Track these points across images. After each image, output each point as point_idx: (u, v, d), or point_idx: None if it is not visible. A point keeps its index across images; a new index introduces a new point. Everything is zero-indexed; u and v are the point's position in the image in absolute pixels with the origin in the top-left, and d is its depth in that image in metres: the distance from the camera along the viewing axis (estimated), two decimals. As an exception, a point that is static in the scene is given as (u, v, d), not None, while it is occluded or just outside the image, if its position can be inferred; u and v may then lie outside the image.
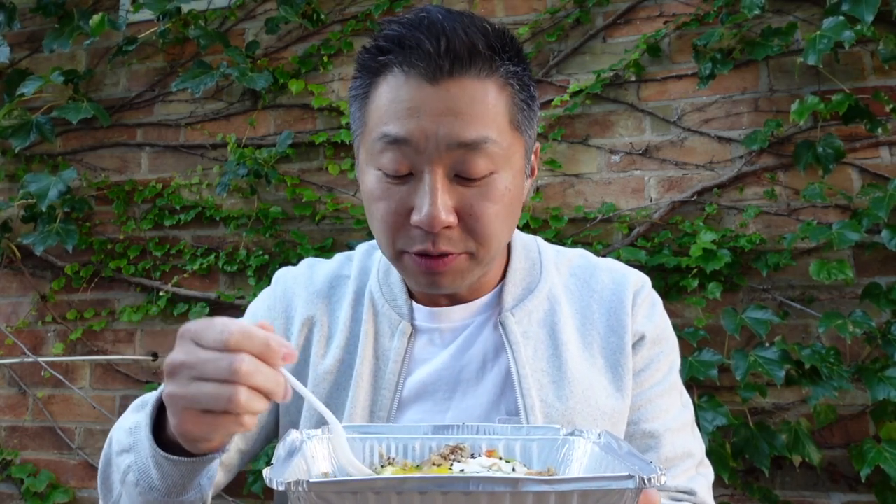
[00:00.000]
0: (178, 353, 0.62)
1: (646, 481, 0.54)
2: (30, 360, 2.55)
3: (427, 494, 0.53)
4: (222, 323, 0.60)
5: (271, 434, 0.98)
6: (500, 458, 0.69)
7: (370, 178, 0.82)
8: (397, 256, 0.83)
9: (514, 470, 0.66)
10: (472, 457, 0.69)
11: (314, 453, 0.67)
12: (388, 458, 0.71)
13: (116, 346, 2.59)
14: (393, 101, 0.78)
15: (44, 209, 2.44)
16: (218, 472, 0.87)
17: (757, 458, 1.91)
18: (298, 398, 0.92)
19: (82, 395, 2.54)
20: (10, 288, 2.72)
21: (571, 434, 0.73)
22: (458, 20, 0.78)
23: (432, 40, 0.76)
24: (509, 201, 0.82)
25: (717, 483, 1.97)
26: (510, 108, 0.81)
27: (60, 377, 2.54)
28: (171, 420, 0.65)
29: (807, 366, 1.89)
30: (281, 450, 0.63)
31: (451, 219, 0.78)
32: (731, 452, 1.94)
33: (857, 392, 1.95)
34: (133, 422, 0.77)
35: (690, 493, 0.88)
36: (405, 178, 0.79)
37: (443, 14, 0.79)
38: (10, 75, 2.69)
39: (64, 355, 2.59)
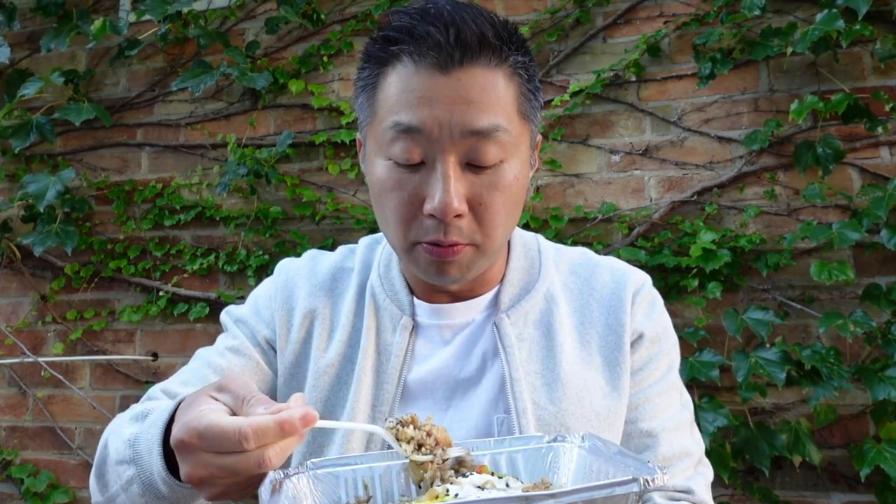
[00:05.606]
0: (196, 469, 0.61)
1: (649, 482, 0.53)
2: (30, 360, 2.55)
3: None
4: (233, 429, 0.58)
5: None
6: (492, 474, 0.69)
7: (380, 168, 0.82)
8: (409, 248, 0.83)
9: (507, 485, 0.66)
10: (465, 475, 0.68)
11: (295, 493, 0.67)
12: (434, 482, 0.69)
13: (116, 346, 2.59)
14: (404, 90, 0.78)
15: (42, 210, 2.44)
16: None
17: (757, 458, 1.91)
18: (297, 392, 0.92)
19: (82, 395, 2.54)
20: (10, 288, 2.72)
21: (554, 440, 0.73)
22: (466, 10, 0.79)
23: (442, 30, 0.77)
24: (517, 190, 0.83)
25: (718, 483, 1.97)
26: (518, 98, 0.82)
27: (60, 377, 2.54)
28: (202, 493, 0.65)
29: (807, 366, 1.89)
30: (263, 492, 0.62)
31: (463, 207, 0.78)
32: (731, 452, 1.94)
33: (857, 392, 1.95)
34: (132, 434, 0.75)
35: (688, 492, 0.88)
36: (417, 167, 0.79)
37: (450, 5, 0.79)
38: (10, 75, 2.69)
39: (64, 355, 2.59)
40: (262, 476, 0.61)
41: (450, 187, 0.77)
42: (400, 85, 0.79)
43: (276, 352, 0.96)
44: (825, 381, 1.87)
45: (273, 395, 0.95)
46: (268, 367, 0.95)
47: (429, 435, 0.69)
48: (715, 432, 1.89)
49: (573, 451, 0.71)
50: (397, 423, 0.69)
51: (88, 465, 2.51)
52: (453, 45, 0.76)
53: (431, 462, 0.69)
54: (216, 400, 0.63)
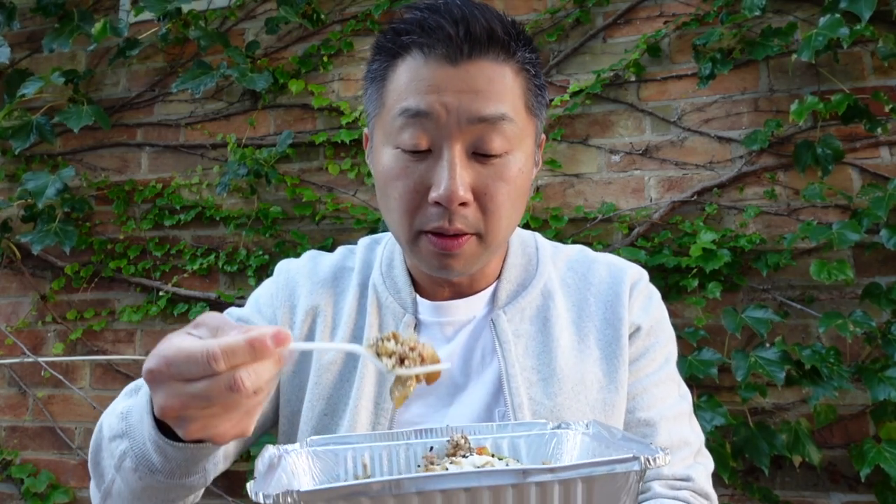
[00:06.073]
0: (168, 399, 0.57)
1: (651, 461, 0.53)
2: (30, 360, 2.55)
3: (426, 495, 0.51)
4: (200, 350, 0.55)
5: (269, 422, 0.97)
6: (493, 456, 0.69)
7: (387, 157, 0.83)
8: (413, 238, 0.84)
9: (507, 466, 0.66)
10: (464, 457, 0.68)
11: (294, 468, 0.66)
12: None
13: (116, 346, 2.59)
14: (413, 79, 0.80)
15: (41, 206, 2.44)
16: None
17: (757, 458, 1.91)
18: (300, 389, 0.92)
19: (82, 395, 2.54)
20: (10, 288, 2.72)
21: (558, 427, 0.73)
22: (475, 7, 0.81)
23: (452, 24, 0.79)
24: (521, 183, 0.84)
25: (718, 483, 1.97)
26: (525, 92, 0.84)
27: (60, 377, 2.54)
28: (179, 431, 0.61)
29: (807, 366, 1.89)
30: (260, 465, 0.61)
31: (468, 195, 0.80)
32: (731, 452, 1.94)
33: (857, 392, 1.95)
34: (124, 407, 0.74)
35: (688, 479, 0.88)
36: (423, 155, 0.81)
37: (460, 1, 0.82)
38: (10, 75, 2.68)
39: (64, 355, 2.59)
40: (244, 411, 0.58)
41: (455, 175, 0.78)
42: (409, 74, 0.81)
43: None
44: (825, 381, 1.87)
45: (278, 390, 0.95)
46: None
47: (412, 349, 0.65)
48: (714, 432, 1.89)
49: (577, 437, 0.70)
50: (377, 340, 0.66)
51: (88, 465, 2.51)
52: (463, 39, 0.78)
53: (417, 378, 0.65)
54: (191, 335, 0.61)
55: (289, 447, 0.68)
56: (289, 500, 0.49)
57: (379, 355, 0.65)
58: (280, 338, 0.56)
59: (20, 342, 2.61)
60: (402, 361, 0.64)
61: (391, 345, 0.65)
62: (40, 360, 2.54)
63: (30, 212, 2.60)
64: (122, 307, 2.58)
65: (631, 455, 0.53)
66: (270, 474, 0.59)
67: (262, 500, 0.51)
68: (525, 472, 0.51)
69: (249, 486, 0.54)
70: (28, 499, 2.49)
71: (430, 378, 0.66)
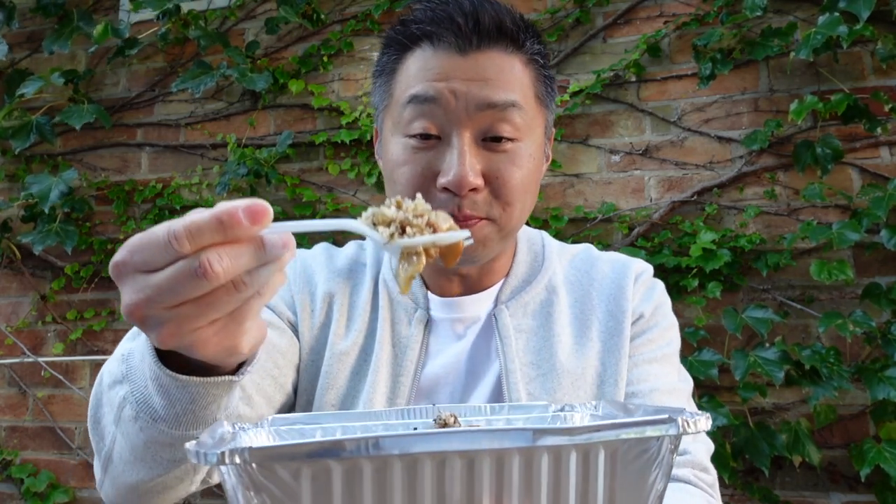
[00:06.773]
0: (132, 294, 0.48)
1: (689, 424, 0.44)
2: (30, 360, 2.55)
3: (411, 458, 0.41)
4: (163, 231, 0.46)
5: (287, 409, 0.93)
6: None
7: (395, 146, 0.83)
8: None
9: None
10: None
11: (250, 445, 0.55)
12: None
13: (116, 346, 2.58)
14: (422, 68, 0.81)
15: (46, 210, 2.44)
16: None
17: (757, 458, 1.91)
18: (314, 378, 0.90)
19: (82, 396, 2.54)
20: (10, 288, 2.72)
21: (562, 410, 0.65)
22: (485, 1, 0.82)
23: (461, 15, 0.80)
24: (533, 168, 0.84)
25: (718, 482, 1.97)
26: (535, 83, 0.84)
27: (60, 377, 2.54)
28: (152, 337, 0.51)
29: (807, 366, 1.89)
30: (207, 438, 0.48)
31: (479, 181, 0.79)
32: (731, 452, 1.94)
33: (857, 392, 1.95)
34: (126, 349, 0.66)
35: (684, 453, 0.87)
36: (432, 142, 0.81)
37: None
38: (10, 75, 2.68)
39: (64, 355, 2.59)
40: (226, 313, 0.48)
41: (465, 160, 0.78)
42: (418, 64, 0.82)
43: (298, 334, 0.95)
44: (825, 381, 1.87)
45: (298, 376, 0.92)
46: (298, 340, 0.93)
47: (419, 217, 0.52)
48: (715, 432, 1.89)
49: (585, 419, 0.63)
50: (377, 208, 0.53)
51: (88, 465, 2.51)
52: (472, 30, 0.79)
53: (429, 253, 0.51)
54: None
55: (246, 425, 0.57)
56: (237, 459, 0.39)
57: (376, 225, 0.52)
58: (254, 210, 0.46)
59: (20, 342, 2.61)
60: (403, 231, 0.51)
61: (391, 211, 0.51)
62: (40, 360, 2.54)
63: (30, 212, 2.60)
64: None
65: (665, 416, 0.43)
66: (219, 446, 0.47)
67: (202, 461, 0.40)
68: (537, 433, 0.42)
69: (188, 445, 0.43)
70: (28, 499, 2.49)
71: (448, 256, 0.53)
